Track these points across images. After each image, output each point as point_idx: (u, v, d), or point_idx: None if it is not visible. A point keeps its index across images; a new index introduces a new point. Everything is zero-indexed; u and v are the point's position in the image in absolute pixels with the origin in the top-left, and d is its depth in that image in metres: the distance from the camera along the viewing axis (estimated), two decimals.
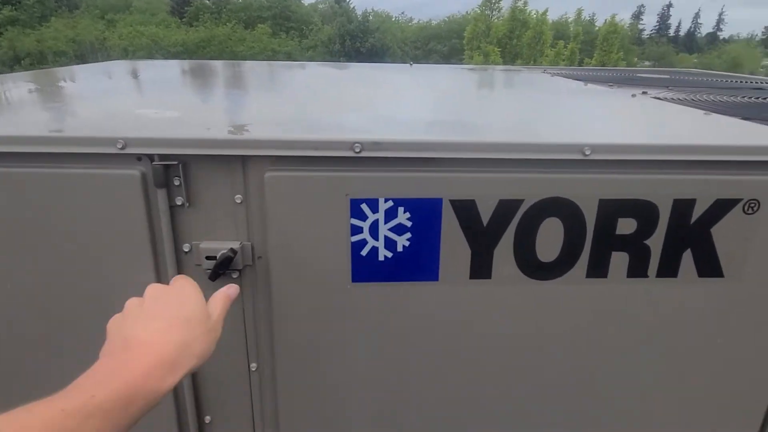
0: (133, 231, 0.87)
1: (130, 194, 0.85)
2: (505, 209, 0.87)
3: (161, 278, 0.92)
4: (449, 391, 1.01)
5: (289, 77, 2.08)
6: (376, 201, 0.86)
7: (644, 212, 0.88)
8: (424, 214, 0.87)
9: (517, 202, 0.87)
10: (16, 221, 0.87)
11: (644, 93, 1.61)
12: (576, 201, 0.87)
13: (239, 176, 0.87)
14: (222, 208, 0.88)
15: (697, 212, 0.88)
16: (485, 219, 0.88)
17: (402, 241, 0.89)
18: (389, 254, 0.90)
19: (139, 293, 0.71)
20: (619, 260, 0.92)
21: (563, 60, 18.19)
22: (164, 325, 0.62)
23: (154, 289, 0.68)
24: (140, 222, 0.87)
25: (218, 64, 2.55)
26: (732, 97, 1.55)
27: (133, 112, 1.07)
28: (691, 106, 1.35)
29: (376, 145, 0.83)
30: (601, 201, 0.87)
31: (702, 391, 1.03)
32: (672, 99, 1.48)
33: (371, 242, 0.89)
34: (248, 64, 2.62)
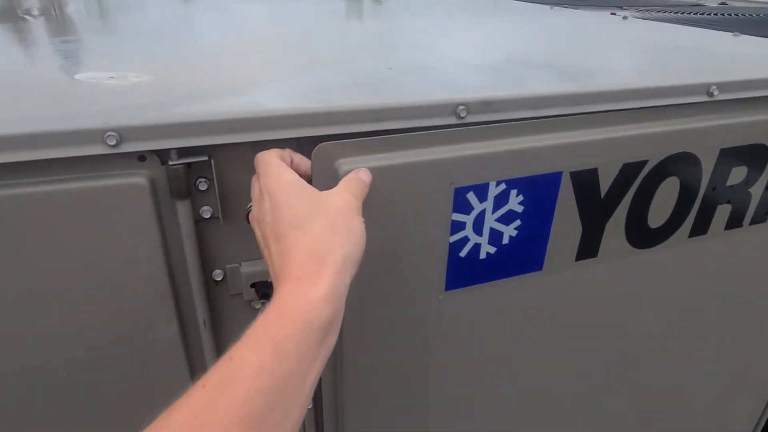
0: (140, 265, 0.56)
1: (133, 213, 0.53)
2: (627, 174, 0.70)
3: (188, 326, 0.64)
4: (554, 392, 0.87)
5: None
6: (486, 186, 0.63)
7: (757, 157, 0.78)
8: (539, 194, 0.67)
9: (640, 165, 0.71)
10: None
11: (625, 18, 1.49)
12: (698, 154, 0.73)
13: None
14: None
15: None
16: (604, 189, 0.70)
17: (509, 232, 0.68)
18: (492, 250, 0.69)
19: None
20: (722, 213, 0.81)
21: None
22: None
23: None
24: (151, 253, 0.56)
25: None
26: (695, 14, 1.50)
27: (73, 79, 0.66)
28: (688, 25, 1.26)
29: (486, 105, 0.59)
30: (722, 151, 0.74)
31: None
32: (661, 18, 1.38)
33: (473, 239, 0.67)
34: None
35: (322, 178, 0.56)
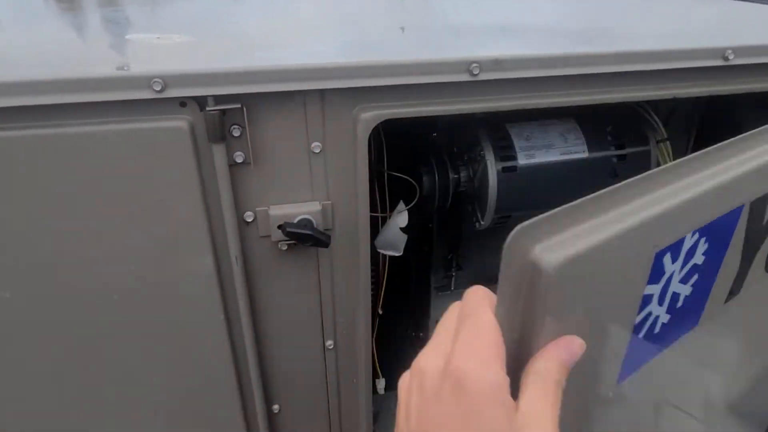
0: (179, 205, 0.62)
1: (174, 155, 0.59)
2: None
3: (221, 261, 0.69)
4: None
5: None
6: (681, 242, 0.46)
7: None
8: (719, 237, 0.51)
9: None
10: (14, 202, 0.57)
11: None
12: None
13: (318, 117, 0.64)
14: (294, 162, 0.67)
15: None
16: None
17: (685, 291, 0.52)
18: (667, 318, 0.52)
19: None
20: None
21: None
22: None
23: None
24: (190, 192, 0.61)
25: None
26: None
27: (126, 39, 0.73)
28: None
29: (497, 63, 0.69)
30: None
31: None
32: None
33: (655, 312, 0.49)
34: None
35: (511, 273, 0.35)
